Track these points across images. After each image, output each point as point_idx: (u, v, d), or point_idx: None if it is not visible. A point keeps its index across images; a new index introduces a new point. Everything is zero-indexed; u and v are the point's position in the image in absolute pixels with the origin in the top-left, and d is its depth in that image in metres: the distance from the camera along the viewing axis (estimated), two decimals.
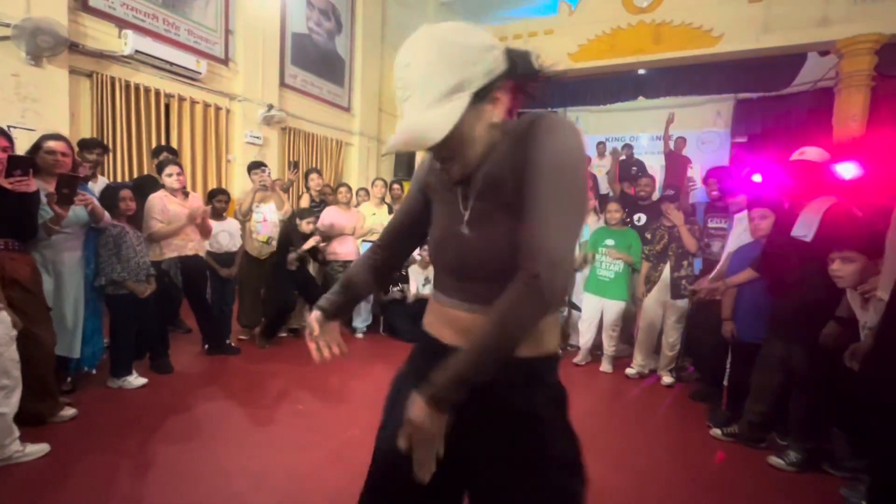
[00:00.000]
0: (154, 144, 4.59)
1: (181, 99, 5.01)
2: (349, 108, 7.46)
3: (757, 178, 3.32)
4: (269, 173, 3.92)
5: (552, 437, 0.80)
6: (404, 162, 8.00)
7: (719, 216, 3.34)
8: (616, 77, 7.00)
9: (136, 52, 4.42)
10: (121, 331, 2.74)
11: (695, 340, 3.31)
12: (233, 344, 3.60)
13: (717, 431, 2.51)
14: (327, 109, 7.02)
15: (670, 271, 3.28)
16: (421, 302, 4.30)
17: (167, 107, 4.91)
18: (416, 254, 4.42)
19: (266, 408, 2.68)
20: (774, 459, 2.24)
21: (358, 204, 4.52)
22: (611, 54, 6.51)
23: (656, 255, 3.37)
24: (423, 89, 0.75)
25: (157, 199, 3.08)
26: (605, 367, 3.59)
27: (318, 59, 6.80)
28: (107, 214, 2.61)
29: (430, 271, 4.40)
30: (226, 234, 3.49)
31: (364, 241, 4.27)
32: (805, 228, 2.07)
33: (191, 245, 3.19)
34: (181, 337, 3.78)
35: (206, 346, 3.47)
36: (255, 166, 3.88)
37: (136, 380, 2.79)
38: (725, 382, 2.83)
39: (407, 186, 7.06)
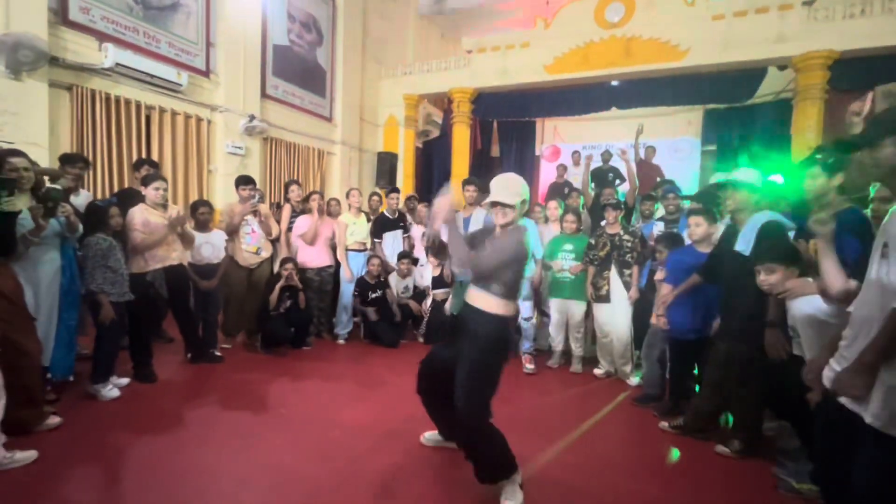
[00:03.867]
0: (135, 157, 4.64)
1: (162, 111, 5.06)
2: (331, 118, 7.57)
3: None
4: (261, 197, 3.97)
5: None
6: (386, 171, 8.14)
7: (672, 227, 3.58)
8: (590, 88, 7.25)
9: (117, 64, 4.48)
10: (104, 338, 2.79)
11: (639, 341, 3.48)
12: (217, 353, 3.66)
13: (664, 424, 2.68)
14: (309, 119, 7.12)
15: (619, 276, 3.49)
16: (401, 308, 4.43)
17: (148, 119, 4.96)
18: (395, 264, 4.55)
19: (249, 412, 2.77)
20: (720, 448, 2.43)
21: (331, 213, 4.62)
22: (585, 67, 6.77)
23: (601, 261, 3.57)
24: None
25: (137, 212, 3.15)
26: (576, 367, 3.77)
27: (299, 70, 6.90)
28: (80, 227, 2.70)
29: (410, 280, 4.53)
30: (209, 246, 3.56)
31: (349, 249, 4.38)
32: (744, 244, 2.29)
33: (174, 255, 3.26)
34: (164, 347, 3.83)
35: (190, 355, 3.53)
36: (244, 182, 3.92)
37: (109, 391, 2.80)
38: (667, 376, 3.07)
39: (383, 192, 7.14)
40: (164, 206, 3.34)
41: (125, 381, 2.99)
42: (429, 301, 4.42)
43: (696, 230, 2.81)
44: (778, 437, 2.46)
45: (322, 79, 7.37)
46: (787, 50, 5.67)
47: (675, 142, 8.55)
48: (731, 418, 2.65)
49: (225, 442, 2.37)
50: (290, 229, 4.26)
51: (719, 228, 2.85)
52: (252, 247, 3.82)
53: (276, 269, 4.10)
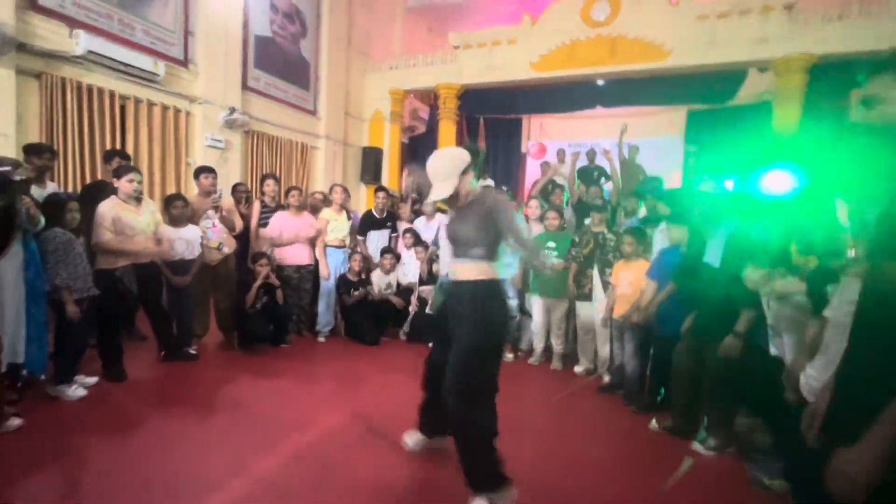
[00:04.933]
0: (109, 148, 4.49)
1: (138, 101, 4.91)
2: (315, 112, 7.45)
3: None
4: (221, 194, 3.85)
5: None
6: (371, 167, 8.06)
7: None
8: (576, 86, 7.27)
9: (89, 52, 4.33)
10: (67, 336, 2.70)
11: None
12: (192, 351, 3.58)
13: (654, 425, 2.69)
14: (292, 113, 7.00)
15: (599, 275, 3.51)
16: (383, 305, 4.38)
17: (123, 109, 4.81)
18: (377, 260, 4.50)
19: (222, 413, 2.70)
20: (696, 445, 2.46)
21: (313, 209, 4.54)
22: (570, 65, 6.78)
23: (584, 259, 3.58)
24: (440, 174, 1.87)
25: (107, 208, 3.02)
26: (556, 364, 3.77)
27: (282, 63, 6.77)
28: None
29: (393, 277, 4.48)
30: (183, 242, 3.46)
31: (328, 246, 4.30)
32: (713, 256, 2.33)
33: (146, 252, 3.16)
34: (137, 345, 3.72)
35: (163, 354, 3.44)
36: (204, 171, 3.79)
37: (75, 391, 2.70)
38: (648, 372, 3.13)
39: (371, 190, 7.03)
40: (139, 201, 3.24)
41: (93, 380, 2.89)
42: (414, 298, 4.38)
43: (674, 233, 2.84)
44: (751, 434, 2.50)
45: (306, 71, 7.24)
46: (767, 52, 5.75)
47: (658, 141, 8.62)
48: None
49: (195, 444, 2.31)
50: (264, 225, 4.16)
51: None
52: (213, 242, 3.70)
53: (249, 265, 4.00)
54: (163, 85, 5.13)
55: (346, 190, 4.98)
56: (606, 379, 3.48)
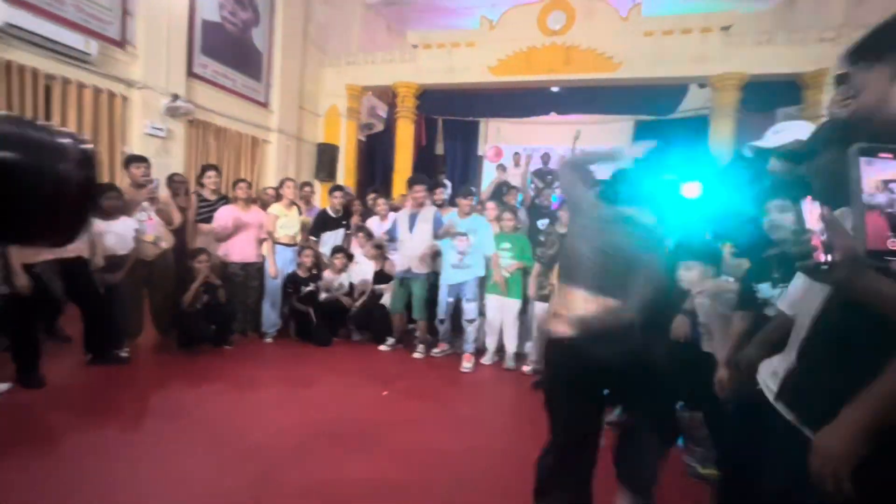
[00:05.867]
0: None
1: (66, 82, 4.50)
2: (267, 104, 7.16)
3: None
4: (157, 185, 3.63)
5: None
6: (326, 163, 7.86)
7: None
8: (532, 92, 7.45)
9: (9, 25, 3.92)
10: None
11: None
12: (123, 354, 3.31)
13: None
14: (242, 104, 6.68)
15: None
16: (334, 305, 4.26)
17: (48, 90, 4.39)
18: (328, 259, 4.37)
19: (155, 420, 2.52)
20: None
21: (262, 204, 4.36)
22: (527, 71, 6.94)
23: (549, 259, 3.67)
24: None
25: None
26: (509, 364, 3.83)
27: (232, 50, 6.45)
28: None
29: (345, 277, 4.37)
30: (113, 236, 3.19)
31: (278, 243, 4.13)
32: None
33: (72, 247, 2.90)
34: (59, 347, 3.40)
35: (89, 357, 3.16)
36: (135, 160, 3.54)
37: None
38: None
39: (324, 186, 6.83)
40: None
41: (5, 386, 2.62)
42: (366, 293, 4.30)
43: None
44: (691, 427, 2.65)
45: (258, 62, 6.94)
46: (706, 69, 6.16)
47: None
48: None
49: (123, 455, 2.14)
50: (204, 219, 3.94)
51: None
52: (150, 236, 3.46)
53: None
54: (96, 66, 4.74)
55: (305, 186, 4.84)
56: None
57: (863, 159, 0.67)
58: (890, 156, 0.67)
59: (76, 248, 2.93)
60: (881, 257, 0.63)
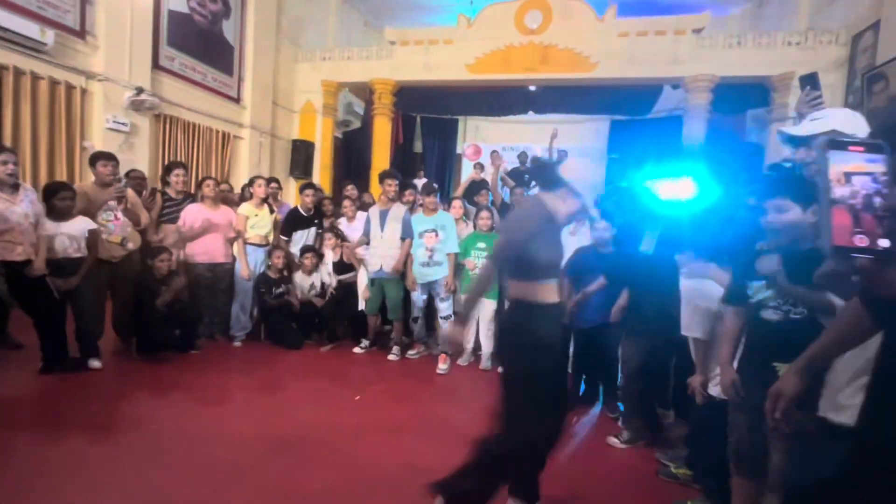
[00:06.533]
0: None
1: (19, 72, 4.26)
2: (239, 99, 6.95)
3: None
4: (126, 183, 3.44)
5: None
6: (301, 161, 7.69)
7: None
8: (509, 91, 7.45)
9: None
10: None
11: None
12: (94, 364, 3.12)
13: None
14: (212, 98, 6.47)
15: None
16: (306, 307, 4.14)
17: None
18: (299, 259, 4.25)
19: (110, 432, 2.39)
20: (612, 439, 2.56)
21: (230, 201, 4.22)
22: (504, 69, 6.93)
23: None
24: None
25: None
26: (485, 364, 3.80)
27: (201, 43, 6.23)
28: None
29: (316, 277, 4.25)
30: (64, 238, 2.98)
31: (249, 243, 3.99)
32: (648, 244, 2.43)
33: (20, 249, 2.72)
34: (8, 355, 3.20)
35: (41, 365, 2.97)
36: (102, 157, 3.35)
37: None
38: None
39: (298, 184, 6.68)
40: (15, 188, 2.78)
41: None
42: (330, 286, 4.22)
43: (604, 234, 2.92)
44: (670, 427, 2.68)
45: (229, 55, 6.73)
46: (679, 71, 6.26)
47: (584, 148, 9.09)
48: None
49: (74, 470, 2.01)
50: (170, 219, 3.79)
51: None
52: (116, 237, 3.29)
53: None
54: (52, 56, 4.50)
55: (272, 182, 4.67)
56: None
57: (833, 153, 0.65)
58: (861, 149, 0.65)
59: (25, 251, 2.75)
60: (846, 253, 0.61)
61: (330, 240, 4.22)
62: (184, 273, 3.68)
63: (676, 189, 2.23)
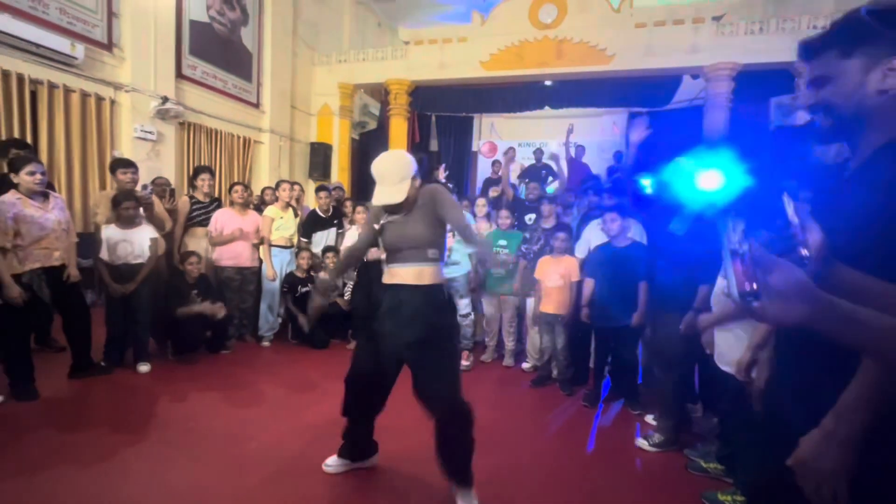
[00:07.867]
0: (18, 136, 4.02)
1: (52, 86, 4.44)
2: (258, 105, 7.09)
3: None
4: (151, 190, 3.53)
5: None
6: (320, 163, 7.80)
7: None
8: (525, 87, 7.41)
9: None
10: None
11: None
12: (143, 368, 3.27)
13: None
14: (233, 105, 6.62)
15: None
16: (330, 307, 4.22)
17: (34, 95, 4.33)
18: (321, 260, 4.32)
19: (150, 429, 2.49)
20: (641, 441, 2.52)
21: (258, 206, 4.32)
22: (519, 65, 6.90)
23: (535, 255, 3.66)
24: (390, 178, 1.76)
25: (7, 203, 2.65)
26: (508, 361, 3.82)
27: (221, 51, 6.38)
28: None
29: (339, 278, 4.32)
30: (127, 244, 3.13)
31: (273, 245, 4.09)
32: (679, 224, 2.36)
33: (56, 254, 2.84)
34: (53, 358, 3.36)
35: (70, 369, 3.06)
36: (121, 165, 3.45)
37: None
38: (591, 365, 3.30)
39: (313, 186, 6.78)
40: (46, 196, 2.91)
41: None
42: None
43: (611, 226, 2.92)
44: (700, 421, 2.65)
45: (248, 62, 6.87)
46: (699, 60, 6.13)
47: (601, 142, 9.00)
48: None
49: (116, 466, 2.10)
50: (199, 223, 3.90)
51: (634, 223, 3.01)
52: None
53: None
54: (82, 70, 4.67)
55: (295, 185, 4.77)
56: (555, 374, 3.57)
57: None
58: None
59: (61, 256, 2.88)
60: (745, 297, 0.69)
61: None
62: (211, 276, 3.80)
63: (717, 179, 2.18)
